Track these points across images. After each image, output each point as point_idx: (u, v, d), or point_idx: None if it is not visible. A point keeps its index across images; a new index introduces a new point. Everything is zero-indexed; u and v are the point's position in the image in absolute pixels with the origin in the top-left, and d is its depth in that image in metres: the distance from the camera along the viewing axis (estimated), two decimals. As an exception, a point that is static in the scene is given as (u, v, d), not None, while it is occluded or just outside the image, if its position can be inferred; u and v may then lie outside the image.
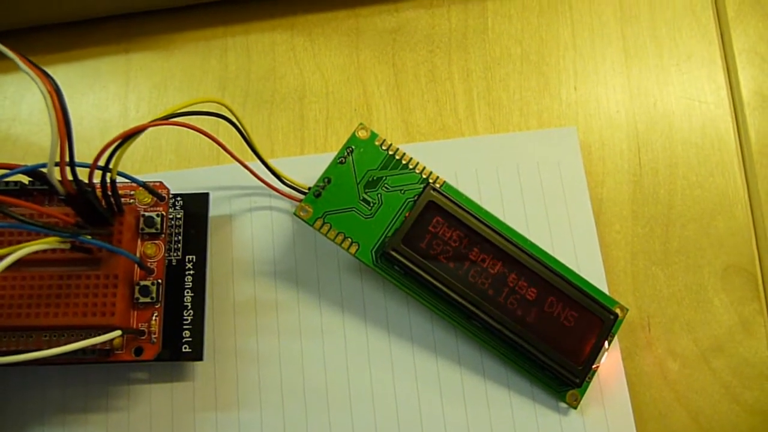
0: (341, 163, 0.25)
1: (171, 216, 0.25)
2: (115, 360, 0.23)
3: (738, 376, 0.26)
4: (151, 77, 0.30)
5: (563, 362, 0.24)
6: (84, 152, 0.28)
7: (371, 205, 0.25)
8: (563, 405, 0.25)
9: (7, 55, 0.18)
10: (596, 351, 0.24)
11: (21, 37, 0.30)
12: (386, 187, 0.25)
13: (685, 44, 0.30)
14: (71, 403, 0.25)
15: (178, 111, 0.22)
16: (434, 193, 0.24)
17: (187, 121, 0.22)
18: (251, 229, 0.27)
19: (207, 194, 0.26)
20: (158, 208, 0.24)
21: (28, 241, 0.20)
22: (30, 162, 0.28)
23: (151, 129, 0.21)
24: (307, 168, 0.27)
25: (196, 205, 0.26)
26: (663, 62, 0.29)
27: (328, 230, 0.24)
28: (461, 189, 0.26)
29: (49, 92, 0.18)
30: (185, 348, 0.24)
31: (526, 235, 0.25)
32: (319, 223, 0.24)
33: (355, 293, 0.26)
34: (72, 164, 0.19)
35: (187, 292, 0.25)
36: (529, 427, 0.25)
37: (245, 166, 0.25)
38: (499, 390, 0.25)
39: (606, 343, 0.24)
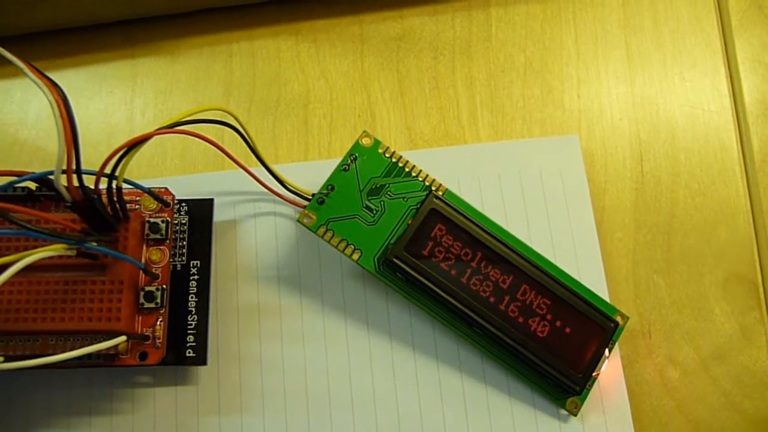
0: (345, 170, 0.25)
1: (176, 221, 0.25)
2: (119, 364, 0.23)
3: (738, 384, 0.26)
4: (157, 82, 0.30)
5: (563, 370, 0.24)
6: (91, 156, 0.29)
7: (374, 212, 0.25)
8: (563, 412, 0.25)
9: (14, 64, 0.18)
10: (597, 359, 0.24)
11: (29, 42, 0.31)
12: (389, 195, 0.25)
13: (689, 53, 0.30)
14: (76, 405, 0.25)
15: (183, 119, 0.22)
16: (437, 201, 0.25)
17: (191, 129, 0.22)
18: (255, 234, 0.27)
19: (212, 200, 0.26)
20: (163, 214, 0.25)
21: (36, 247, 0.20)
22: (37, 166, 0.29)
23: (156, 135, 0.22)
24: (311, 174, 0.27)
25: (200, 211, 0.26)
26: (666, 70, 0.29)
27: (331, 237, 0.24)
28: (464, 196, 0.26)
29: (56, 101, 0.18)
30: (189, 352, 0.24)
31: (528, 243, 0.26)
32: (322, 230, 0.25)
33: (358, 299, 0.26)
34: (78, 172, 0.20)
35: (192, 297, 0.25)
36: (529, 434, 0.25)
37: (249, 173, 0.26)
38: (499, 396, 0.25)
39: (606, 350, 0.25)
